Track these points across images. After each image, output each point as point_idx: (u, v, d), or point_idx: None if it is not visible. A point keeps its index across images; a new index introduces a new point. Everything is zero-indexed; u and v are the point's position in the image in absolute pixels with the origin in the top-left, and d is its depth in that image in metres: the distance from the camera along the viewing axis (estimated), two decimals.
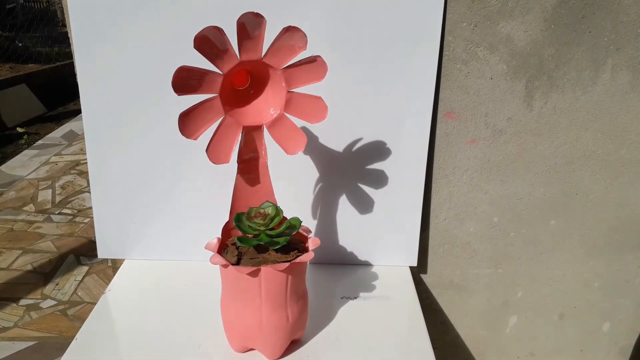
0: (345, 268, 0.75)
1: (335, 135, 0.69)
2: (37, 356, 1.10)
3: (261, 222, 0.54)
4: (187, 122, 0.49)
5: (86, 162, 2.20)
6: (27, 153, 2.42)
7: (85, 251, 1.51)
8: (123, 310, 0.66)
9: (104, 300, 0.68)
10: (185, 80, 0.47)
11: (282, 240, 0.53)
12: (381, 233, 0.74)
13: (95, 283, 1.34)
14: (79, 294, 1.30)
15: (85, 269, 1.41)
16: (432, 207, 0.76)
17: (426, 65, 0.66)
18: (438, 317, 0.85)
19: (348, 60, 0.65)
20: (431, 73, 0.67)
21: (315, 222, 0.74)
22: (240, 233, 0.56)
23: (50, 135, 2.70)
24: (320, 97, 0.53)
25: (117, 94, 0.67)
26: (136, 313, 0.65)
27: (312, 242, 0.56)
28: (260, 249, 0.55)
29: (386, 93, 0.67)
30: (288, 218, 0.57)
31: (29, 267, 1.43)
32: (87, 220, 1.70)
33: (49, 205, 1.82)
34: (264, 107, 0.54)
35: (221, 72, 0.49)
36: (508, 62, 0.68)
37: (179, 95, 0.47)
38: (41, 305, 1.27)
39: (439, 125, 0.71)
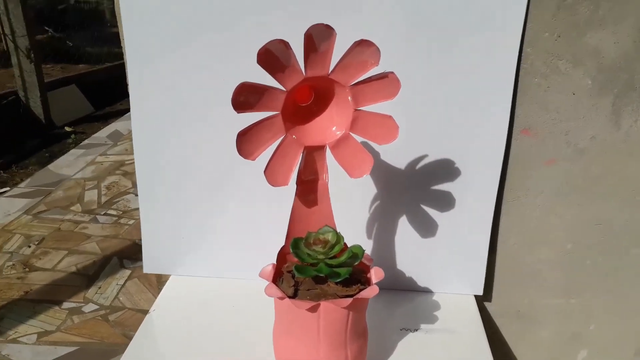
0: (403, 295, 0.70)
1: (396, 150, 0.64)
2: None
3: (320, 250, 0.49)
4: (246, 142, 0.45)
5: (131, 163, 2.22)
6: (74, 152, 2.46)
7: (129, 254, 1.50)
8: (167, 334, 0.62)
9: (149, 321, 0.65)
10: (246, 98, 0.43)
11: (343, 272, 0.48)
12: (444, 258, 0.68)
13: (137, 288, 1.32)
14: (121, 299, 1.30)
15: (127, 272, 1.40)
16: (501, 230, 0.70)
17: (502, 79, 0.60)
18: (500, 349, 0.79)
19: (415, 68, 0.60)
20: (507, 87, 0.61)
21: (371, 242, 0.69)
22: (296, 259, 0.51)
23: (96, 134, 2.74)
24: (390, 117, 0.48)
25: (168, 104, 0.64)
26: (181, 337, 0.62)
27: (375, 274, 0.51)
28: (319, 279, 0.50)
29: (457, 106, 0.61)
30: (348, 245, 0.52)
31: (73, 269, 1.43)
32: (131, 222, 1.70)
33: (95, 206, 1.83)
34: (328, 126, 0.49)
35: (284, 89, 0.45)
36: (594, 76, 0.61)
37: (238, 112, 0.43)
38: (83, 309, 1.27)
39: (513, 143, 0.65)
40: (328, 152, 0.50)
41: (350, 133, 0.49)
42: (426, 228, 0.67)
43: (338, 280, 0.48)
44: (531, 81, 0.62)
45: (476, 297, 0.70)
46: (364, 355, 0.53)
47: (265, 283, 0.50)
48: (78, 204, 1.86)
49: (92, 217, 1.75)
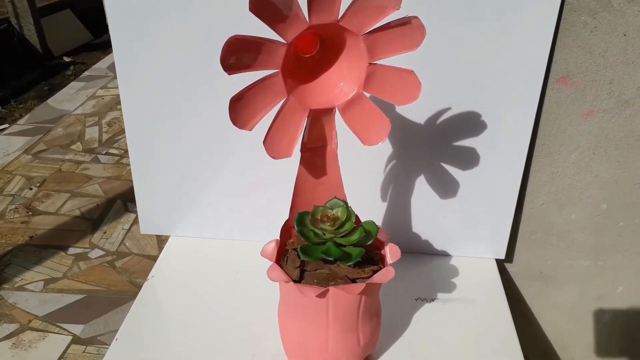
0: (418, 258, 0.64)
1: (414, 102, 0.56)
2: (86, 311, 1.08)
3: (329, 228, 0.43)
4: (241, 109, 0.38)
5: None
6: (74, 85, 2.37)
7: (133, 197, 1.45)
8: (168, 303, 0.58)
9: (149, 287, 0.60)
10: (239, 56, 0.35)
11: (355, 253, 0.43)
12: (465, 219, 0.62)
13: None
14: (127, 244, 1.27)
15: (132, 216, 1.37)
16: (529, 189, 0.63)
17: (543, 17, 0.51)
18: (518, 308, 0.75)
19: (439, 6, 0.51)
20: (549, 27, 0.52)
21: (385, 204, 0.63)
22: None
23: (96, 65, 2.63)
24: (411, 71, 0.40)
25: (157, 57, 0.56)
26: (183, 305, 0.57)
27: (391, 253, 0.45)
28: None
29: (487, 50, 0.53)
30: (361, 218, 0.46)
31: (77, 213, 1.40)
32: None
33: (96, 144, 1.77)
34: (336, 83, 0.42)
35: (285, 41, 0.37)
36: None
37: (230, 74, 0.36)
38: (89, 255, 1.24)
39: (548, 93, 0.57)
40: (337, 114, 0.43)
41: (364, 92, 0.41)
42: (446, 188, 0.61)
43: (349, 263, 0.42)
44: (577, 19, 0.52)
45: (497, 260, 0.65)
46: (377, 334, 0.48)
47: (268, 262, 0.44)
48: (79, 143, 1.80)
49: (94, 157, 1.69)
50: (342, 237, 0.43)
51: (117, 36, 0.55)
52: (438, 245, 0.65)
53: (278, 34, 0.36)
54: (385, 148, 0.59)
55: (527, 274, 0.71)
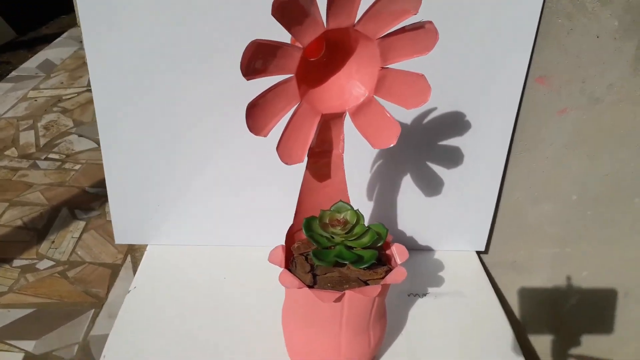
0: None
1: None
2: (37, 326, 1.01)
3: (340, 231, 0.43)
4: (257, 115, 0.36)
5: (70, 98, 2.01)
6: (1, 87, 2.20)
7: (80, 203, 1.38)
8: (154, 315, 0.56)
9: (131, 299, 0.57)
10: (259, 59, 0.34)
11: (368, 256, 0.43)
12: (447, 215, 0.64)
13: (95, 241, 1.22)
14: (79, 253, 1.20)
15: (82, 224, 1.29)
16: (506, 184, 0.66)
17: (525, 18, 0.53)
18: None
19: (427, 5, 0.51)
20: (530, 28, 0.54)
21: (372, 203, 0.63)
22: (304, 236, 0.45)
23: (24, 65, 2.46)
24: (422, 75, 0.40)
25: (130, 56, 0.53)
26: (170, 316, 0.55)
27: (399, 252, 0.46)
28: (337, 261, 0.44)
29: (471, 51, 0.54)
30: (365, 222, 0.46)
31: (19, 223, 1.30)
32: (77, 167, 1.55)
33: (33, 149, 1.66)
34: (346, 87, 0.41)
35: (300, 45, 0.36)
36: (621, 17, 0.55)
37: (248, 79, 0.35)
38: (37, 266, 1.16)
39: (527, 92, 0.59)
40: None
41: (374, 96, 0.41)
42: (430, 185, 0.62)
43: (363, 266, 0.42)
44: (555, 21, 0.55)
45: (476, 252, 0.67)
46: (384, 334, 0.49)
47: (265, 264, 0.44)
48: (13, 148, 1.67)
49: (32, 163, 1.58)
50: (353, 240, 0.43)
51: (89, 31, 0.52)
52: (422, 240, 0.66)
53: (295, 37, 0.35)
54: (368, 147, 0.60)
55: (501, 263, 0.74)
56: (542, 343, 0.83)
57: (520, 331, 0.82)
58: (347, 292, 0.41)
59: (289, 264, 0.45)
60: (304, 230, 0.43)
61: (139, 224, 0.63)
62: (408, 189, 0.62)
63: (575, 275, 0.76)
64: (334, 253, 0.42)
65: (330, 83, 0.41)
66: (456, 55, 0.54)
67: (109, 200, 0.62)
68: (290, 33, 0.35)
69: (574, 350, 0.84)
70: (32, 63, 2.48)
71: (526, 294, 0.78)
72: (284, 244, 0.46)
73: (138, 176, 0.60)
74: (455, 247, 0.66)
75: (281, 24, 0.34)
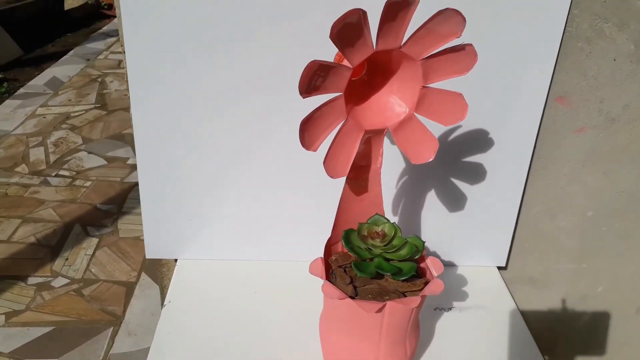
0: None
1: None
2: (58, 344, 1.01)
3: (379, 244, 0.45)
4: (308, 130, 0.39)
5: (78, 115, 2.03)
6: (10, 104, 2.22)
7: (92, 220, 1.39)
8: (191, 329, 0.57)
9: (167, 314, 0.58)
10: (315, 78, 0.36)
11: (407, 268, 0.44)
12: (469, 230, 0.66)
13: (108, 258, 1.23)
14: (93, 270, 1.20)
15: (95, 241, 1.30)
16: (525, 200, 0.68)
17: (547, 42, 0.56)
18: None
19: None
20: (552, 51, 0.57)
21: (396, 218, 0.65)
22: (342, 249, 0.47)
23: (32, 82, 2.49)
24: (460, 94, 0.43)
25: (167, 68, 0.55)
26: (207, 329, 0.56)
27: (434, 265, 0.47)
28: (375, 273, 0.46)
29: (495, 72, 0.57)
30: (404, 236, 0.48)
31: (32, 239, 1.31)
32: (87, 183, 1.57)
33: (44, 166, 1.67)
34: (387, 105, 0.44)
35: (350, 66, 0.38)
36: (637, 41, 0.58)
37: (304, 97, 0.37)
38: (53, 284, 1.17)
39: (547, 112, 0.62)
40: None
41: (415, 113, 0.43)
42: (453, 201, 0.64)
43: (403, 278, 0.44)
44: (574, 45, 0.58)
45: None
46: (417, 344, 0.50)
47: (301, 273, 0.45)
48: (24, 164, 1.69)
49: (43, 179, 1.60)
50: (392, 252, 0.45)
51: (132, 53, 0.54)
52: (445, 256, 0.68)
53: (347, 58, 0.38)
54: (392, 162, 0.62)
55: (519, 279, 0.76)
56: (558, 358, 0.85)
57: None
58: (389, 303, 0.43)
59: (328, 275, 0.47)
60: (343, 242, 0.45)
61: (170, 238, 0.65)
62: (431, 205, 0.64)
63: (591, 290, 0.78)
64: (374, 265, 0.44)
65: (373, 100, 0.44)
66: (481, 75, 0.57)
67: (143, 216, 0.63)
68: (343, 54, 0.37)
69: None
70: (39, 80, 2.51)
71: (541, 310, 0.79)
72: (322, 256, 0.48)
73: (171, 191, 0.62)
74: (477, 263, 0.68)
75: (336, 46, 0.36)
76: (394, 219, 0.65)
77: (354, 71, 0.44)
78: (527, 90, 0.58)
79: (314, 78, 0.36)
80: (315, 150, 0.40)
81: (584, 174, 0.67)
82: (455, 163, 0.62)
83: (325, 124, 0.40)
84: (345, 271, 0.47)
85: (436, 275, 0.46)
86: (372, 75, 0.44)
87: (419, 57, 0.40)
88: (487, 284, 0.66)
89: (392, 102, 0.43)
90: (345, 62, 0.39)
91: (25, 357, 0.99)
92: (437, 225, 0.66)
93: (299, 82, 0.35)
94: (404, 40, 0.39)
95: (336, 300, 0.45)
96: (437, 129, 0.60)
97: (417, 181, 0.63)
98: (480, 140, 0.61)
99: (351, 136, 0.42)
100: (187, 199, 0.62)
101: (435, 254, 0.68)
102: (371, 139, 0.44)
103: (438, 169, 0.62)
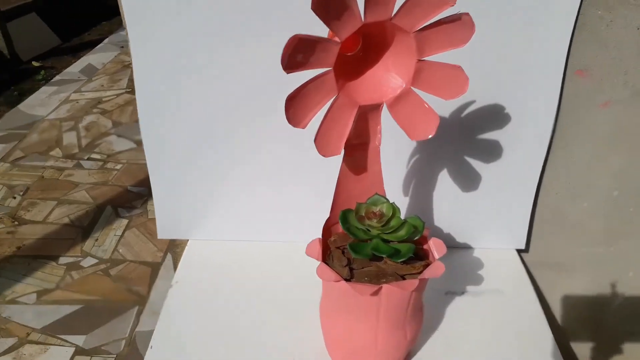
0: None
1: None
2: (86, 322, 1.05)
3: (376, 224, 0.43)
4: (295, 107, 0.37)
5: (109, 100, 2.08)
6: (45, 90, 2.29)
7: (122, 202, 1.43)
8: (196, 308, 0.57)
9: (175, 293, 0.59)
10: (298, 53, 0.35)
11: (405, 250, 0.43)
12: (486, 211, 0.64)
13: (136, 239, 1.26)
14: (120, 250, 1.24)
15: (124, 222, 1.33)
16: (545, 180, 0.65)
17: (564, 11, 0.52)
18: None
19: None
20: (569, 21, 0.53)
21: (407, 199, 0.63)
22: (340, 229, 0.46)
23: (68, 69, 2.55)
24: (459, 67, 0.40)
25: (171, 53, 0.55)
26: (213, 309, 0.57)
27: (437, 247, 0.45)
28: (374, 255, 0.44)
29: (509, 45, 0.54)
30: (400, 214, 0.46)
31: (66, 220, 1.35)
32: (118, 166, 1.60)
33: (76, 150, 1.72)
34: (383, 80, 0.42)
35: (338, 40, 0.37)
36: None
37: (288, 73, 0.35)
38: (82, 263, 1.20)
39: (566, 85, 0.58)
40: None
41: (412, 87, 0.41)
42: (467, 180, 0.62)
43: (400, 260, 0.42)
44: (594, 14, 0.54)
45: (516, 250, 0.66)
46: (420, 329, 0.49)
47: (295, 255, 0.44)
48: (57, 149, 1.74)
49: (76, 163, 1.64)
50: (389, 233, 0.43)
51: (134, 35, 0.54)
52: (460, 238, 0.66)
53: (334, 32, 0.36)
54: (406, 142, 0.60)
55: (542, 263, 0.72)
56: (583, 348, 0.81)
57: (561, 334, 0.80)
58: (385, 286, 0.42)
59: (326, 257, 0.46)
60: (340, 223, 0.44)
61: (181, 219, 0.65)
62: (445, 184, 0.62)
63: (621, 275, 0.74)
64: (371, 246, 0.43)
65: (367, 76, 0.42)
66: (493, 47, 0.54)
67: (153, 196, 0.64)
68: (329, 27, 0.36)
69: (617, 357, 0.82)
70: (75, 67, 2.57)
71: (568, 296, 0.76)
72: (321, 237, 0.47)
73: (181, 173, 0.62)
74: (494, 245, 0.66)
75: (320, 18, 0.35)
76: (404, 200, 0.63)
77: (349, 47, 0.42)
78: (543, 62, 0.55)
79: (296, 53, 0.34)
80: (304, 127, 0.38)
81: (608, 151, 0.63)
82: (469, 140, 0.60)
83: (315, 100, 0.38)
84: (343, 253, 0.46)
85: (438, 257, 0.45)
86: (368, 50, 0.42)
87: (412, 30, 0.38)
88: (505, 268, 0.64)
89: (387, 77, 0.41)
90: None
91: (57, 333, 1.03)
92: (451, 206, 0.63)
93: (281, 57, 0.34)
94: (394, 11, 0.37)
95: (332, 283, 0.44)
96: (450, 105, 0.57)
97: (429, 159, 0.61)
98: (495, 116, 0.58)
99: (344, 112, 0.40)
100: (196, 181, 0.62)
101: (449, 236, 0.66)
102: (367, 115, 0.43)
103: (451, 147, 0.60)
